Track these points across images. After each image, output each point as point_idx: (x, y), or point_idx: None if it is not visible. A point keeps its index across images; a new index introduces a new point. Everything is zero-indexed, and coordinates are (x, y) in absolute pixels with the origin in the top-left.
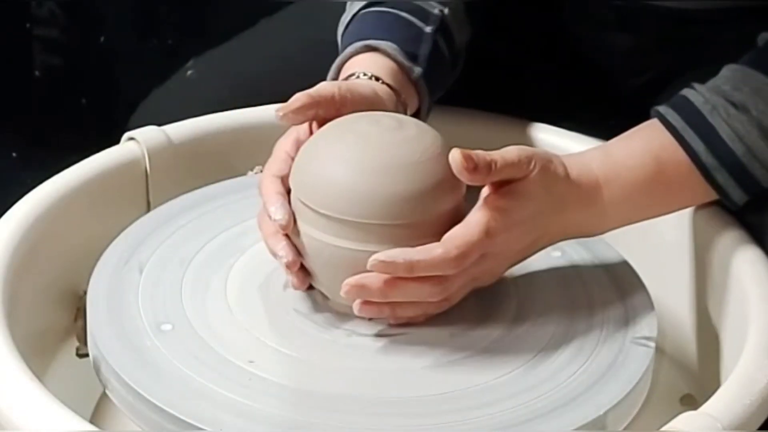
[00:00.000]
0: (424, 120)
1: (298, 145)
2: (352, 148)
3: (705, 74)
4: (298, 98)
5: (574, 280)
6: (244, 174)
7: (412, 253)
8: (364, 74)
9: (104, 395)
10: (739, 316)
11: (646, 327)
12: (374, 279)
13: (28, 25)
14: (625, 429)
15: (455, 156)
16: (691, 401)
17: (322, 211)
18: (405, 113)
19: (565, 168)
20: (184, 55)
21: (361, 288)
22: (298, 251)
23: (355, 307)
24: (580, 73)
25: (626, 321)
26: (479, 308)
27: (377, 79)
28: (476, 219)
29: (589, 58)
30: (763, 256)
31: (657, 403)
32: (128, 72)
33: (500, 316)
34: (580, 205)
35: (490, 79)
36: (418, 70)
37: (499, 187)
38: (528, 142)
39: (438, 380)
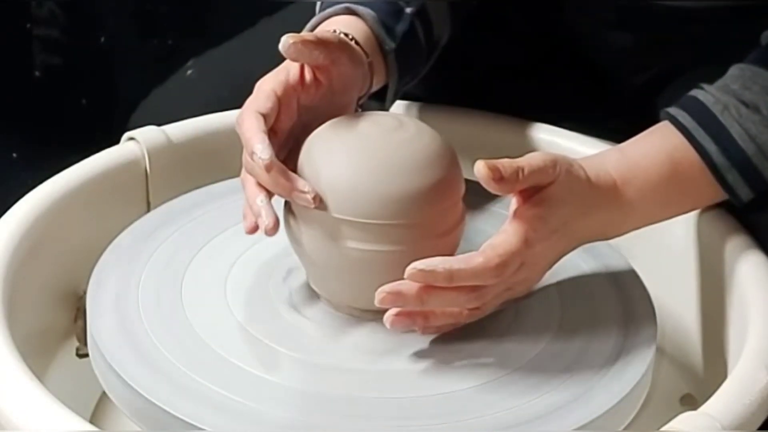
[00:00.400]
0: (390, 102)
1: (286, 86)
2: (352, 148)
3: (705, 73)
4: (308, 35)
5: (576, 282)
6: None
7: (452, 261)
8: (344, 34)
9: (104, 395)
10: (739, 317)
11: (646, 332)
12: (411, 286)
13: (28, 25)
14: (625, 429)
15: (480, 168)
16: (691, 401)
17: (322, 210)
18: (371, 84)
19: (585, 170)
20: (184, 55)
21: (397, 295)
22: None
23: (387, 320)
24: (580, 73)
25: (627, 325)
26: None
27: (355, 42)
28: (514, 228)
29: (590, 57)
30: (764, 257)
31: (657, 403)
32: (128, 72)
33: (501, 317)
34: (602, 207)
35: (490, 79)
36: (391, 44)
37: (530, 195)
38: (528, 142)
39: (438, 380)
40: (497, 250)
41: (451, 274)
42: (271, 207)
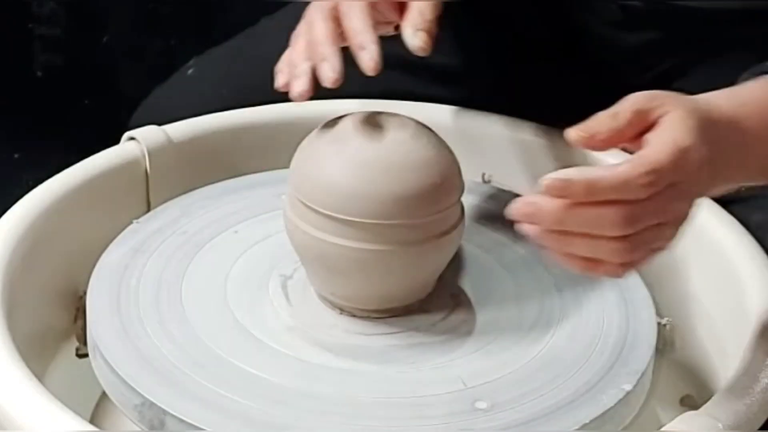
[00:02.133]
0: None
1: None
2: (351, 147)
3: (706, 73)
4: None
5: (574, 282)
6: (244, 174)
7: (591, 171)
8: None
9: (104, 395)
10: (739, 316)
11: (646, 332)
12: (548, 201)
13: (29, 24)
14: (625, 429)
15: (575, 137)
16: (691, 401)
17: (322, 210)
18: None
19: (708, 107)
20: (186, 55)
21: (532, 211)
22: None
23: (527, 229)
24: (583, 71)
25: (626, 325)
26: (478, 313)
27: None
28: (659, 138)
29: (593, 56)
30: (765, 257)
31: (657, 403)
32: (130, 72)
33: (499, 317)
34: (733, 145)
35: (492, 78)
36: None
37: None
38: (529, 142)
39: (438, 380)
40: (644, 159)
41: (589, 185)
42: (311, 78)
